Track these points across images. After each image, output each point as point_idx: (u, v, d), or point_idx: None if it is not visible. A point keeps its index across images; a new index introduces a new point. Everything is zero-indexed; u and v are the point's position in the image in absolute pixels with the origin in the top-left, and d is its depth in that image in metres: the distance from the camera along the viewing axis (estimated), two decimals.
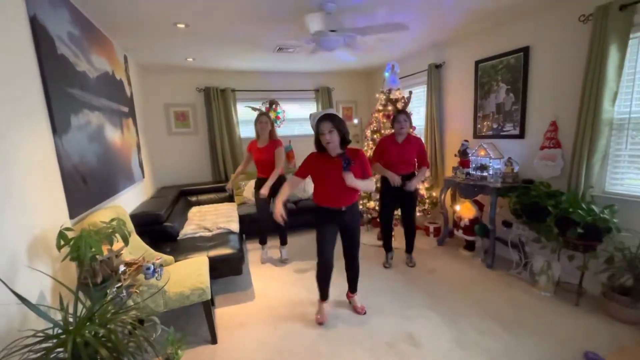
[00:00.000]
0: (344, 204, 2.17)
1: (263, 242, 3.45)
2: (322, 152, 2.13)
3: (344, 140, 2.08)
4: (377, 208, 3.67)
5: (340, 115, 5.32)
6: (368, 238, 3.92)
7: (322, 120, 2.04)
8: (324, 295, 2.38)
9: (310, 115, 2.19)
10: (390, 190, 2.99)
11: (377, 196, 3.46)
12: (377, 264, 3.25)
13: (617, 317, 2.19)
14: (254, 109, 4.20)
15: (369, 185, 2.13)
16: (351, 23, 2.74)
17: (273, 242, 3.60)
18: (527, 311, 2.34)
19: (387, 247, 3.23)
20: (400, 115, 2.95)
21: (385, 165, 2.95)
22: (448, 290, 2.69)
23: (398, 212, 3.32)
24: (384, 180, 3.03)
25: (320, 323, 2.30)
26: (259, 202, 3.26)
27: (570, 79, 2.56)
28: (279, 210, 2.18)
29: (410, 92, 3.82)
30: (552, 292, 2.53)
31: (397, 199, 3.08)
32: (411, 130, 3.19)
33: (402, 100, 3.72)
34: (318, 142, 2.12)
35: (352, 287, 2.45)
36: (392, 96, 3.76)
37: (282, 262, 3.39)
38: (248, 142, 3.36)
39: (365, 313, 2.39)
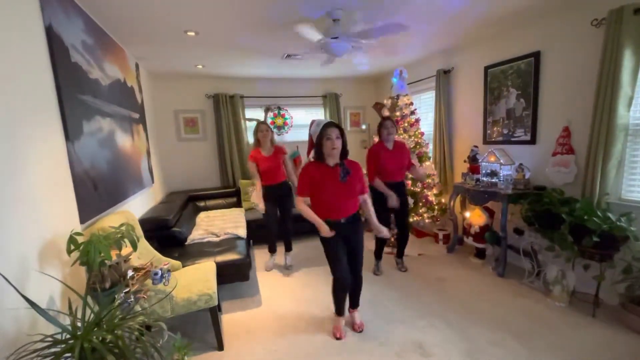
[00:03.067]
0: (343, 215, 2.10)
1: (273, 251, 3.43)
2: (319, 162, 2.08)
3: (344, 151, 2.07)
4: None
5: (348, 121, 5.48)
6: None
7: (330, 126, 2.02)
8: (340, 310, 2.29)
9: (314, 121, 2.15)
10: (382, 198, 2.94)
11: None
12: (388, 272, 3.21)
13: (635, 329, 2.11)
14: (252, 119, 4.21)
15: (372, 209, 2.26)
16: (357, 29, 2.74)
17: (280, 250, 3.56)
18: (540, 322, 2.27)
19: (378, 254, 3.20)
20: (386, 121, 2.95)
21: (382, 175, 2.91)
22: (458, 299, 2.63)
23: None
24: (375, 190, 2.99)
25: (338, 338, 2.20)
26: (267, 209, 3.23)
27: (583, 83, 2.51)
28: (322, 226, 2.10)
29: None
30: (566, 303, 2.45)
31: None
32: (395, 136, 3.11)
33: (409, 106, 3.72)
34: (319, 149, 2.06)
35: (353, 303, 2.36)
36: (400, 102, 3.76)
37: (286, 268, 3.37)
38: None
39: (361, 331, 2.27)
